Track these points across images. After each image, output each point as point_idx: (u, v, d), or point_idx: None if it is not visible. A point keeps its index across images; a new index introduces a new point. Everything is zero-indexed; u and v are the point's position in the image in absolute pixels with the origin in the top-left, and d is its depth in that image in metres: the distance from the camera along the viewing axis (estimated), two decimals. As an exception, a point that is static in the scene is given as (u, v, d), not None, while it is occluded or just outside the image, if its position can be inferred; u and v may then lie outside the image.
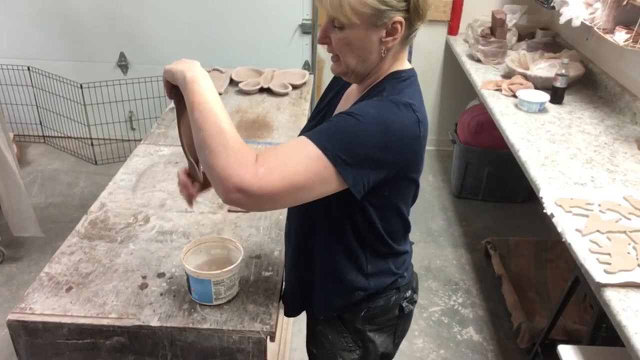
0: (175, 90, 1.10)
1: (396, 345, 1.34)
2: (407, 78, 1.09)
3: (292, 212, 1.27)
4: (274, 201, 0.94)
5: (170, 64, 1.04)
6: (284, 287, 1.38)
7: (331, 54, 1.09)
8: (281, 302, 1.36)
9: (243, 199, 0.92)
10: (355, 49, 1.04)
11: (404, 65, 1.12)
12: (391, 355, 1.35)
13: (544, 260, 2.75)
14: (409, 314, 1.32)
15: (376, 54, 1.05)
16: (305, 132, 1.18)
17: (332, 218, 1.13)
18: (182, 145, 1.16)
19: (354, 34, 1.02)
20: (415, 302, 1.32)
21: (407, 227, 1.22)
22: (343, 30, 1.02)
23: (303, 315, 1.40)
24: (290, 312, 1.37)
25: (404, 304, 1.27)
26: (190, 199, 1.18)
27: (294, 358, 2.19)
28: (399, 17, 1.01)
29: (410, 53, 3.59)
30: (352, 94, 1.21)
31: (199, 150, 0.96)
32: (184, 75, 0.99)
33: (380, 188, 1.03)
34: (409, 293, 1.28)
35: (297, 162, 0.94)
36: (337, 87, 1.27)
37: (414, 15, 1.02)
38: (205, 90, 0.97)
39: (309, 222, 1.19)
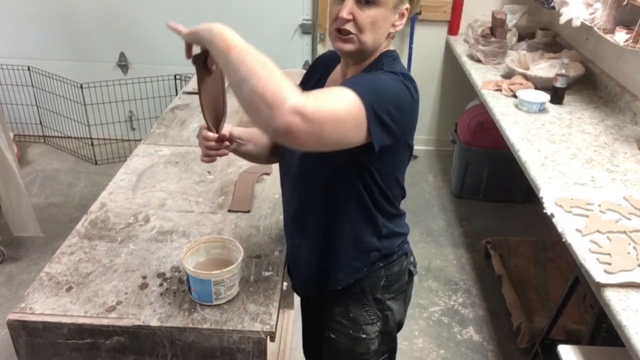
0: (195, 58, 1.12)
1: (405, 312, 1.44)
2: (396, 57, 1.22)
3: (306, 191, 1.29)
4: (321, 131, 0.95)
5: (190, 28, 1.06)
6: (298, 277, 1.42)
7: (343, 31, 1.13)
8: (287, 285, 1.38)
9: (298, 122, 0.90)
10: (377, 28, 1.14)
11: (391, 46, 1.25)
12: (402, 323, 1.45)
13: (544, 260, 2.75)
14: (413, 279, 1.43)
15: (385, 36, 1.17)
16: None
17: (353, 185, 1.20)
18: (203, 111, 1.21)
19: (381, 13, 1.12)
20: (416, 266, 1.44)
21: (404, 193, 1.33)
22: (372, 8, 1.11)
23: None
24: (309, 291, 1.43)
25: (411, 268, 1.40)
26: (209, 153, 1.27)
27: (294, 358, 2.19)
28: (408, 5, 1.16)
29: (410, 53, 3.59)
30: (337, 80, 1.27)
31: (241, 87, 0.92)
32: (210, 29, 1.00)
33: (385, 153, 1.10)
34: (412, 258, 1.41)
35: (337, 101, 0.99)
36: (318, 75, 1.35)
37: (413, 6, 1.18)
38: (236, 36, 0.99)
39: (331, 193, 1.24)
